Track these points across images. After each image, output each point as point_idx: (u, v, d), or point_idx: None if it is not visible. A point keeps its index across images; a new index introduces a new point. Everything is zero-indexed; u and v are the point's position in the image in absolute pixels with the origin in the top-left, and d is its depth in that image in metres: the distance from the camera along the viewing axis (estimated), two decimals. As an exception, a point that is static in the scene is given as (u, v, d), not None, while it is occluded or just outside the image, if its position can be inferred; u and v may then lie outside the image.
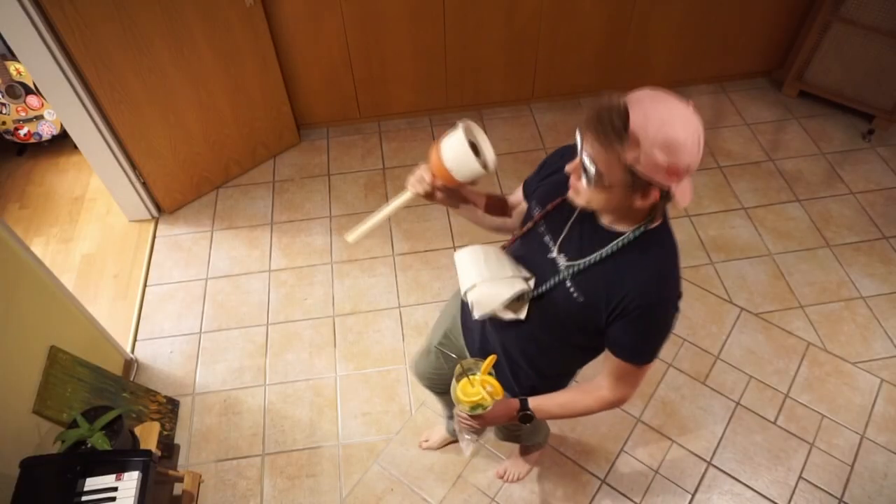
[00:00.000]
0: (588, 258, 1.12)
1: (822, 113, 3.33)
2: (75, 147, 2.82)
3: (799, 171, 3.07)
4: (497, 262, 1.22)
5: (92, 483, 1.66)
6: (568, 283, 1.14)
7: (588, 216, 1.14)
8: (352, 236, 1.26)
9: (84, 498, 1.63)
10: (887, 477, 2.08)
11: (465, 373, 1.20)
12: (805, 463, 2.12)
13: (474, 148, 1.15)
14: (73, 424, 1.80)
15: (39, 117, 3.09)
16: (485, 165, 1.15)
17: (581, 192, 1.06)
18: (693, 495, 2.06)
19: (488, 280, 1.19)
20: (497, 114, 3.40)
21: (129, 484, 1.66)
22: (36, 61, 2.30)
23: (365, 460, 2.17)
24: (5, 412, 1.71)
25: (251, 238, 2.87)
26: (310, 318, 2.57)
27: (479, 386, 1.18)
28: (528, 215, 1.28)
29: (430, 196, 1.24)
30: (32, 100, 3.02)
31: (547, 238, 1.20)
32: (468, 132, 1.16)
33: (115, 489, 1.65)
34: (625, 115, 0.94)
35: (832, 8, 3.00)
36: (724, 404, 2.27)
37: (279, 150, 3.23)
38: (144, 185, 2.84)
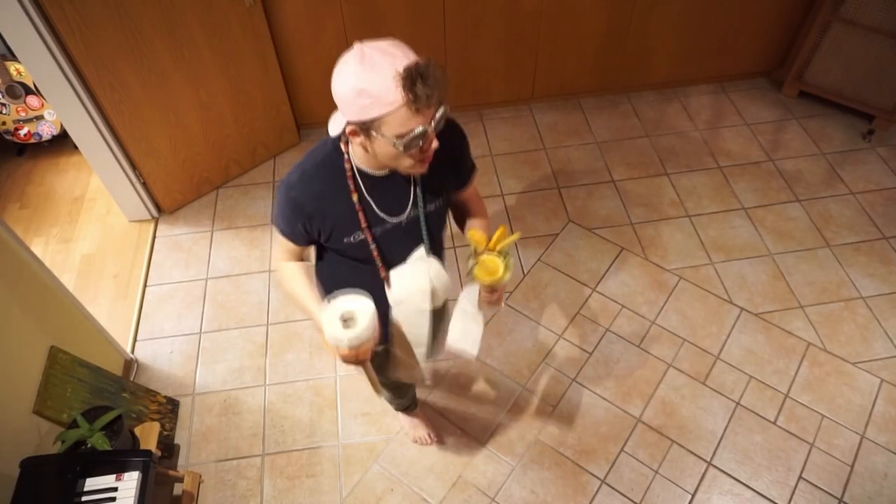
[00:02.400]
0: (414, 193, 1.29)
1: (822, 113, 3.34)
2: (75, 147, 2.83)
3: (799, 171, 3.07)
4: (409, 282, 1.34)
5: (92, 483, 1.66)
6: (429, 208, 1.32)
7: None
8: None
9: (84, 498, 1.63)
10: (887, 477, 2.08)
11: (477, 255, 1.29)
12: (805, 463, 2.12)
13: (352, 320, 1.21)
14: (73, 424, 1.80)
15: (39, 117, 3.09)
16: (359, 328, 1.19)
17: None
18: (693, 495, 2.06)
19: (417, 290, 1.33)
20: (497, 114, 3.40)
21: (129, 484, 1.66)
22: (36, 61, 2.30)
23: (365, 460, 2.17)
24: (5, 412, 1.71)
25: (251, 238, 2.87)
26: (309, 318, 2.56)
27: (494, 259, 1.27)
28: (346, 239, 1.30)
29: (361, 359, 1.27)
30: (32, 100, 3.02)
31: (376, 227, 1.29)
32: (340, 306, 1.21)
33: (115, 489, 1.65)
34: (428, 64, 1.02)
35: (832, 8, 3.00)
36: (724, 404, 2.27)
37: (279, 150, 3.23)
38: (144, 185, 2.84)
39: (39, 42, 2.24)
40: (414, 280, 1.32)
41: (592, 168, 3.12)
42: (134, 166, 2.75)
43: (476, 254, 1.29)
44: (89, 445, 1.76)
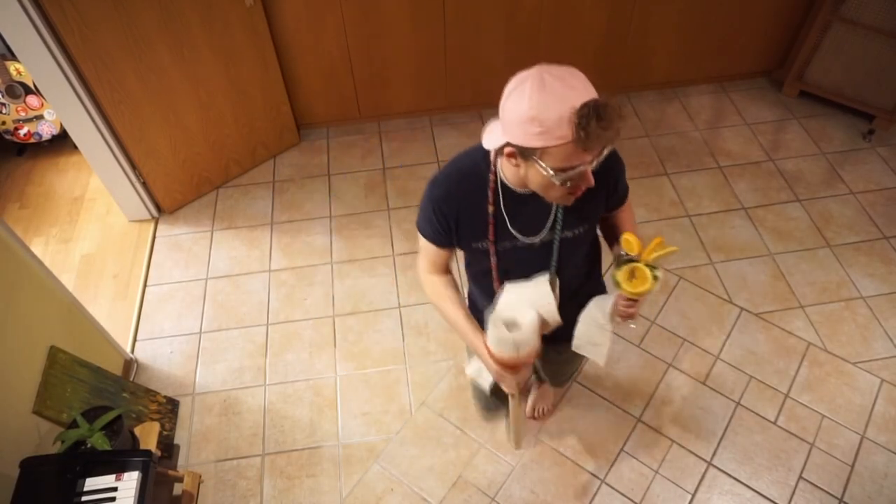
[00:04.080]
0: (553, 216, 1.26)
1: (823, 113, 3.33)
2: (75, 147, 2.82)
3: (799, 171, 3.07)
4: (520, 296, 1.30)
5: (92, 483, 1.66)
6: (566, 235, 1.29)
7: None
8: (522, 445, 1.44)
9: (84, 498, 1.63)
10: (887, 477, 2.08)
11: (624, 261, 1.22)
12: (805, 463, 2.12)
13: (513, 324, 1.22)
14: (73, 424, 1.80)
15: (39, 117, 3.09)
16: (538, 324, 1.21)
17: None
18: (693, 495, 2.06)
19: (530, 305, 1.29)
20: (497, 114, 3.39)
21: (128, 484, 1.66)
22: (36, 61, 2.30)
23: (365, 460, 2.17)
24: (5, 412, 1.71)
25: (251, 238, 2.87)
26: (310, 318, 2.57)
27: (643, 268, 1.19)
28: (472, 253, 1.33)
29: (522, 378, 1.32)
30: (32, 100, 3.02)
31: (509, 241, 1.28)
32: (501, 318, 1.22)
33: (115, 489, 1.65)
34: (605, 105, 0.97)
35: (832, 8, 3.00)
36: (724, 404, 2.27)
37: (279, 150, 3.23)
38: (144, 185, 2.84)
39: (39, 42, 2.24)
40: (522, 301, 1.28)
41: (592, 168, 3.11)
42: (134, 166, 2.75)
43: (622, 259, 1.22)
44: (89, 445, 1.76)
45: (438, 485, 2.10)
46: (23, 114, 3.05)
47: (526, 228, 1.25)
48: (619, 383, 2.33)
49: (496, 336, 1.20)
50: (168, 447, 2.17)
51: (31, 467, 1.67)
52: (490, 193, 1.20)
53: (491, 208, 1.22)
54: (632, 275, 1.19)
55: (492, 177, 1.20)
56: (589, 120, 0.95)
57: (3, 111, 3.02)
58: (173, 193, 2.94)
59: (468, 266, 1.44)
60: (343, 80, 3.12)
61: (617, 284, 1.20)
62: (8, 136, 3.12)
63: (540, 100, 0.99)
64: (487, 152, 1.20)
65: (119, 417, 1.83)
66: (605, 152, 1.04)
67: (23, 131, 3.11)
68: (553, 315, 1.29)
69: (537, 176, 1.07)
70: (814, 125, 3.28)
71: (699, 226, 2.85)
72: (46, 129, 3.15)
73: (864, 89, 3.15)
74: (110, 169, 2.70)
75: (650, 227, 2.83)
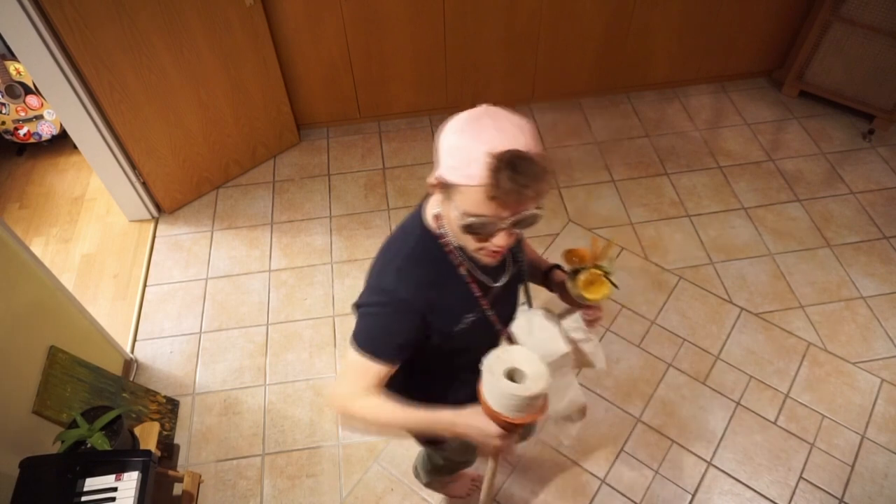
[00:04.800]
0: (510, 258, 1.22)
1: (823, 113, 3.33)
2: (75, 147, 2.83)
3: (799, 171, 3.07)
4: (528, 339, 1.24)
5: (92, 483, 1.66)
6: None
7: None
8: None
9: (84, 498, 1.63)
10: (888, 477, 2.08)
11: (576, 273, 1.20)
12: (805, 463, 2.12)
13: (515, 375, 1.03)
14: (73, 424, 1.80)
15: (39, 117, 3.09)
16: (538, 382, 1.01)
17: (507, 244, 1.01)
18: (693, 495, 2.06)
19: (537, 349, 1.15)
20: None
21: (128, 484, 1.66)
22: (36, 61, 2.30)
23: (365, 460, 2.17)
24: (5, 412, 1.71)
25: (251, 238, 2.87)
26: (310, 318, 2.57)
27: (596, 273, 1.18)
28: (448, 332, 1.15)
29: (508, 440, 1.08)
30: (32, 100, 3.02)
31: (488, 298, 1.17)
32: (499, 363, 1.03)
33: (115, 489, 1.65)
34: (531, 161, 0.90)
35: (832, 8, 3.00)
36: (724, 404, 2.27)
37: (279, 150, 3.23)
38: (144, 185, 2.84)
39: (39, 42, 2.24)
40: (534, 342, 1.20)
41: (592, 168, 3.11)
42: (134, 166, 2.75)
43: (575, 272, 1.19)
44: (89, 445, 1.76)
45: (438, 485, 2.10)
46: (23, 114, 3.05)
47: (492, 274, 1.15)
48: (619, 383, 2.33)
49: (501, 391, 0.99)
50: (168, 447, 2.17)
51: (31, 467, 1.67)
52: (453, 257, 1.08)
53: (463, 269, 1.09)
54: (589, 283, 1.19)
55: (444, 241, 1.08)
56: (500, 169, 0.87)
57: (3, 111, 3.02)
58: (173, 193, 2.94)
59: (426, 373, 1.25)
60: (343, 80, 3.12)
61: (580, 297, 1.19)
62: (8, 136, 3.12)
63: (464, 132, 0.92)
64: (423, 228, 1.09)
65: (119, 417, 1.83)
66: (526, 214, 0.94)
67: (23, 131, 3.11)
68: (561, 348, 1.21)
69: (451, 217, 0.98)
70: (814, 125, 3.28)
71: (699, 226, 2.84)
72: (46, 129, 3.14)
73: (864, 89, 3.15)
74: (110, 169, 2.70)
75: (650, 227, 2.83)
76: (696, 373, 2.35)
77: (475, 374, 1.05)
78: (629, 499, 2.06)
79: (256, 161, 3.17)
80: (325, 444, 2.21)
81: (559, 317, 1.30)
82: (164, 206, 2.96)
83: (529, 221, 0.96)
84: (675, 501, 2.05)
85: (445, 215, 1.03)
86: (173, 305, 2.63)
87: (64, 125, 2.60)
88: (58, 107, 2.46)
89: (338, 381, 1.13)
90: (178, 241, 2.88)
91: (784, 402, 2.27)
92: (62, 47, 2.30)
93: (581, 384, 2.32)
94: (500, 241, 0.97)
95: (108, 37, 2.33)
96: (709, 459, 2.14)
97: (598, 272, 1.19)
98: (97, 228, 2.97)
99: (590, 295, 1.18)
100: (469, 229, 0.96)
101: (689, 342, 2.43)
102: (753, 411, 2.24)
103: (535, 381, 1.00)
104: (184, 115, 2.72)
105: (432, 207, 1.06)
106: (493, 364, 1.02)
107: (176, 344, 2.51)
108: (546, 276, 1.35)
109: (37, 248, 2.87)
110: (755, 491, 2.06)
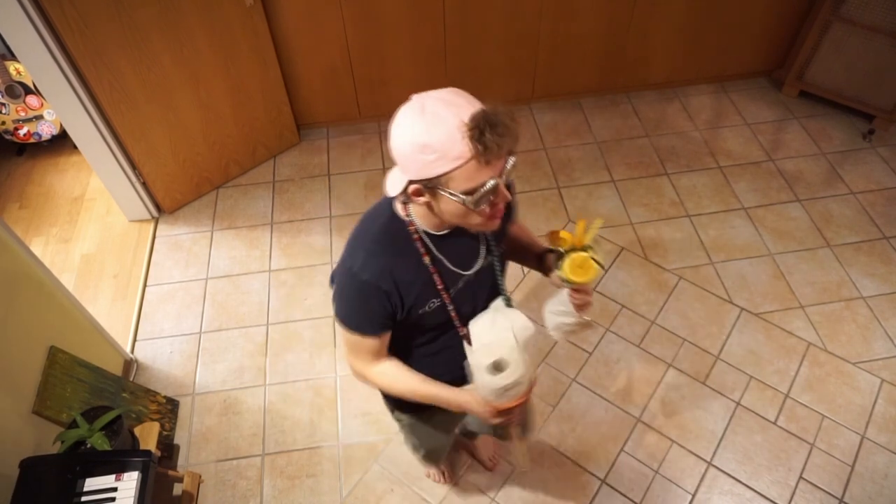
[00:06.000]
0: (485, 245, 1.22)
1: (823, 113, 3.33)
2: (75, 147, 2.82)
3: (799, 171, 3.07)
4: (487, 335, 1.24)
5: (91, 483, 1.66)
6: (498, 263, 1.27)
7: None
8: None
9: (84, 498, 1.63)
10: (888, 477, 2.08)
11: (562, 256, 1.19)
12: (805, 463, 2.12)
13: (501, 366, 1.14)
14: (73, 424, 1.80)
15: (39, 117, 3.09)
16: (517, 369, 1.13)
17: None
18: (693, 495, 2.06)
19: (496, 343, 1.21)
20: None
21: (128, 484, 1.66)
22: (36, 61, 2.30)
23: (365, 460, 2.17)
24: (5, 412, 1.71)
25: (251, 238, 2.87)
26: (310, 318, 2.57)
27: (582, 255, 1.17)
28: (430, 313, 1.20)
29: (509, 416, 1.22)
30: (32, 100, 3.02)
31: (451, 289, 1.19)
32: (481, 357, 1.14)
33: (115, 489, 1.65)
34: (496, 112, 0.93)
35: (832, 8, 3.00)
36: (724, 404, 2.27)
37: (279, 150, 3.23)
38: (144, 185, 2.84)
39: (39, 41, 2.24)
40: (496, 334, 1.22)
41: (592, 168, 3.11)
42: (134, 166, 2.75)
43: (562, 254, 1.18)
44: (89, 445, 1.76)
45: (438, 485, 2.10)
46: (23, 114, 3.05)
47: (463, 262, 1.18)
48: (619, 383, 2.33)
49: (490, 386, 1.12)
50: (168, 447, 2.17)
51: (31, 467, 1.67)
52: (419, 245, 1.12)
53: (427, 259, 1.12)
54: (576, 266, 1.18)
55: (411, 228, 1.11)
56: (482, 131, 0.90)
57: (3, 111, 3.02)
58: (173, 193, 2.94)
59: (412, 346, 1.30)
60: (343, 80, 3.12)
61: (566, 281, 1.19)
62: (8, 136, 3.12)
63: (424, 124, 0.92)
64: (393, 209, 1.13)
65: (119, 417, 1.83)
66: (510, 163, 0.98)
67: (23, 131, 3.11)
68: (529, 330, 1.23)
69: (450, 206, 1.00)
70: (814, 125, 3.28)
71: (699, 226, 2.84)
72: (46, 129, 3.14)
73: (864, 89, 3.15)
74: (110, 169, 2.70)
75: (650, 228, 2.83)
76: (696, 373, 2.35)
77: (454, 349, 1.21)
78: (629, 499, 2.06)
79: (256, 161, 3.17)
80: (325, 444, 2.21)
81: (556, 303, 1.31)
82: (163, 206, 2.96)
83: (513, 167, 0.99)
84: (675, 501, 2.05)
85: (438, 211, 1.04)
86: (173, 305, 2.63)
87: (64, 125, 2.60)
88: (58, 107, 2.46)
89: (346, 352, 1.25)
90: (178, 241, 2.88)
91: (784, 402, 2.27)
92: (62, 47, 2.30)
93: (581, 384, 2.32)
94: (502, 197, 1.01)
95: (108, 37, 2.33)
96: (709, 459, 2.14)
97: (584, 255, 1.17)
98: (97, 228, 2.97)
99: (575, 278, 1.17)
100: (479, 203, 0.98)
101: (689, 342, 2.43)
102: (753, 411, 2.24)
103: (514, 370, 1.11)
104: (184, 115, 2.72)
105: (393, 188, 1.05)
106: (478, 359, 1.13)
107: (176, 344, 2.51)
108: (540, 260, 1.37)
109: (37, 248, 2.87)
110: (755, 491, 2.06)
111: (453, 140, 0.91)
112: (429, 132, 0.92)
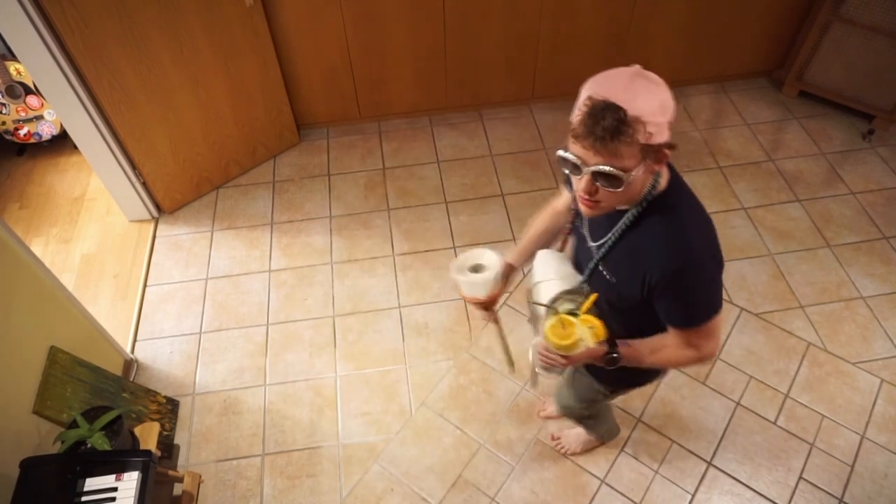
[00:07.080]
0: (605, 240, 1.19)
1: (822, 113, 3.33)
2: (75, 147, 2.82)
3: (799, 171, 3.07)
4: (560, 264, 1.39)
5: (92, 483, 1.66)
6: (601, 268, 1.23)
7: None
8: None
9: (84, 498, 1.63)
10: (888, 477, 2.08)
11: (558, 310, 1.21)
12: (805, 463, 2.12)
13: (479, 268, 1.45)
14: (73, 424, 1.80)
15: (39, 117, 3.09)
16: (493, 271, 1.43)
17: (603, 202, 1.07)
18: (693, 495, 2.06)
19: (553, 279, 1.34)
20: (497, 114, 3.40)
21: (128, 484, 1.66)
22: (36, 61, 2.30)
23: (365, 460, 2.17)
24: (5, 412, 1.71)
25: (251, 238, 2.87)
26: (310, 318, 2.57)
27: (577, 324, 1.16)
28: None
29: (492, 307, 1.50)
30: (32, 100, 3.02)
31: (584, 229, 1.26)
32: (465, 265, 1.45)
33: (115, 489, 1.65)
34: (615, 109, 0.96)
35: (832, 8, 3.00)
36: (724, 404, 2.27)
37: (279, 150, 3.23)
38: (144, 185, 2.84)
39: (39, 42, 2.24)
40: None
41: (592, 168, 3.11)
42: (134, 166, 2.75)
43: (556, 311, 1.20)
44: (89, 445, 1.76)
45: (438, 485, 2.10)
46: (23, 114, 3.05)
47: (591, 232, 1.25)
48: (619, 383, 2.33)
49: (462, 280, 1.41)
50: (168, 447, 2.17)
51: (31, 467, 1.67)
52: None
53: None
54: (559, 326, 1.17)
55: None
56: (586, 112, 0.98)
57: (3, 111, 3.02)
58: (173, 193, 2.94)
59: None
60: (343, 80, 3.12)
61: (545, 336, 1.19)
62: (8, 136, 3.12)
63: (596, 80, 1.03)
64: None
65: (119, 417, 1.83)
66: (597, 165, 0.99)
67: (23, 131, 3.11)
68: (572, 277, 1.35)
69: None
70: (814, 125, 3.28)
71: (699, 226, 2.84)
72: (46, 129, 3.14)
73: (863, 89, 3.15)
74: (110, 169, 2.70)
75: (650, 227, 2.83)
76: (696, 373, 2.35)
77: None
78: (629, 499, 2.06)
79: (256, 161, 3.17)
80: (325, 444, 2.22)
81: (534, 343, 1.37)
82: (164, 207, 2.96)
83: (606, 177, 1.00)
84: (675, 501, 2.05)
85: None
86: (173, 305, 2.63)
87: (64, 125, 2.60)
88: (58, 107, 2.46)
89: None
90: (178, 242, 2.88)
91: (784, 402, 2.27)
92: (62, 47, 2.30)
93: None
94: (577, 185, 1.07)
95: (109, 37, 2.33)
96: (709, 459, 2.14)
97: (573, 320, 1.16)
98: (97, 228, 2.97)
99: (553, 337, 1.17)
100: (558, 163, 1.07)
101: (689, 342, 2.43)
102: (753, 411, 2.24)
103: (489, 271, 1.42)
104: (184, 115, 2.72)
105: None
106: (461, 263, 1.44)
107: (176, 344, 2.51)
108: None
109: (37, 248, 2.87)
110: (755, 491, 2.06)
111: (581, 103, 1.01)
112: (588, 87, 1.04)
